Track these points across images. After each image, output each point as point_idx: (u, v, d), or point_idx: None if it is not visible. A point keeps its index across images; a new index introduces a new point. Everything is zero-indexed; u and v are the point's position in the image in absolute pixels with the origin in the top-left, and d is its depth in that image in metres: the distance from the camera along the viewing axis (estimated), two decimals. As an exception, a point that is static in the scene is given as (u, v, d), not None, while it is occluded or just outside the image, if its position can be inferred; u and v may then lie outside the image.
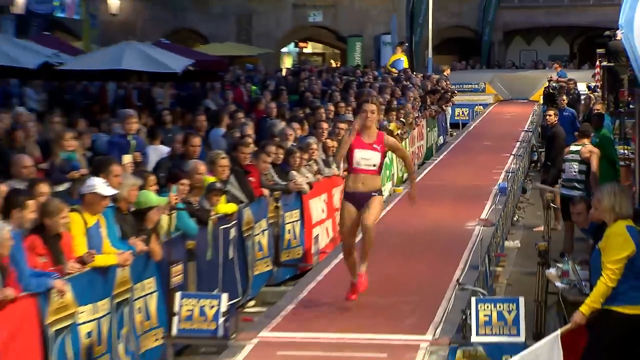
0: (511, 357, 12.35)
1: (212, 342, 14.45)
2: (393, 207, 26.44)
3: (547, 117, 30.76)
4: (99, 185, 14.16)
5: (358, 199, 14.45)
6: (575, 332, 12.03)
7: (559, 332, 12.10)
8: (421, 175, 32.50)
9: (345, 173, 16.97)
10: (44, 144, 19.15)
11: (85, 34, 42.46)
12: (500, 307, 13.06)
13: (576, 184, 21.83)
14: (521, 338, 12.69)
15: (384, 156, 12.69)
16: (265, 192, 19.84)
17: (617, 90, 29.31)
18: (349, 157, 14.23)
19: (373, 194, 14.20)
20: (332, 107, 30.28)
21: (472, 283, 16.74)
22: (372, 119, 12.48)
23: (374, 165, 13.14)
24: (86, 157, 18.74)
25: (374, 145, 12.33)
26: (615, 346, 11.96)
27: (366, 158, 12.52)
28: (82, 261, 13.11)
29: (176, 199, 15.83)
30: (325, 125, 25.88)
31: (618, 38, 24.74)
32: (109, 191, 14.20)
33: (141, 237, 14.74)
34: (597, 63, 49.14)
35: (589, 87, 44.49)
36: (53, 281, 12.62)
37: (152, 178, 16.01)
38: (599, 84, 43.85)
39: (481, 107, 50.13)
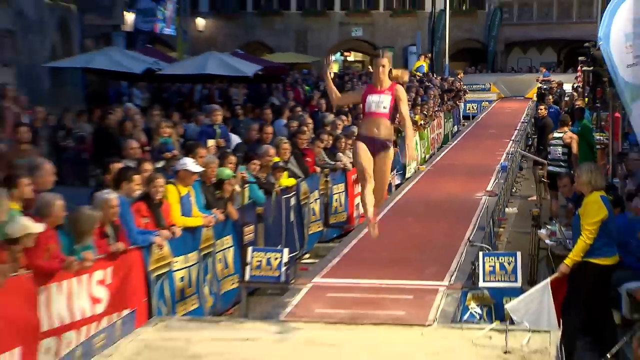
0: (510, 299, 12.31)
1: (276, 286, 14.45)
2: (418, 181, 26.37)
3: (539, 111, 31.09)
4: (189, 163, 14.26)
5: (372, 143, 11.81)
6: (558, 282, 12.03)
7: (548, 279, 12.09)
8: (439, 157, 32.42)
9: None
10: (147, 131, 19.22)
11: (179, 46, 42.47)
12: (502, 259, 13.03)
13: (561, 163, 21.86)
14: (518, 284, 12.63)
15: (394, 100, 11.12)
16: (318, 169, 19.87)
17: (595, 89, 29.39)
18: (362, 105, 12.16)
19: (388, 143, 11.75)
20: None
21: (480, 240, 16.70)
22: (384, 71, 11.05)
23: (385, 107, 11.27)
24: (179, 142, 18.79)
25: (385, 91, 11.03)
26: (590, 291, 11.97)
27: (377, 101, 11.06)
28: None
29: (244, 175, 15.90)
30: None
31: (597, 49, 24.80)
32: (196, 168, 14.29)
33: (221, 206, 14.84)
34: (579, 68, 49.20)
35: (573, 87, 44.44)
36: (154, 237, 12.76)
37: (232, 158, 16.05)
38: (580, 84, 43.85)
39: (487, 102, 49.84)
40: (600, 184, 12.46)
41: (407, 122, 11.81)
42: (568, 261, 12.00)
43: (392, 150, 11.53)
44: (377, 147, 11.42)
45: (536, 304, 11.65)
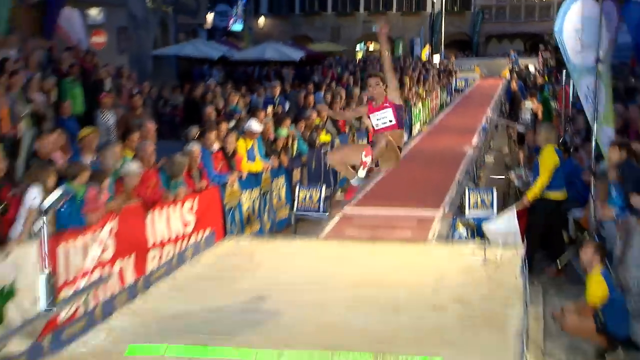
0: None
1: (317, 215, 14.48)
2: (421, 138, 26.23)
3: (511, 86, 30.89)
4: (254, 124, 14.23)
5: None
6: (522, 211, 12.01)
7: (514, 207, 12.06)
8: (437, 120, 32.21)
9: None
10: (224, 101, 19.20)
11: (245, 38, 42.40)
12: (482, 195, 12.97)
13: (529, 125, 21.69)
14: (495, 213, 12.60)
15: (395, 110, 9.46)
16: (347, 129, 19.79)
17: (551, 70, 29.29)
18: (371, 124, 10.22)
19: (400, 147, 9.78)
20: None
21: (466, 181, 16.65)
22: (376, 89, 9.36)
23: (390, 121, 9.64)
24: (246, 109, 18.74)
25: (383, 105, 9.38)
26: (545, 217, 12.01)
27: (380, 117, 9.49)
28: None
29: (293, 133, 15.91)
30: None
31: (554, 40, 24.65)
32: (258, 127, 14.26)
33: (276, 155, 14.84)
34: (540, 54, 49.00)
35: (535, 68, 44.36)
36: (228, 178, 12.79)
37: (287, 121, 15.98)
38: (541, 66, 43.56)
39: (472, 80, 49.54)
40: (554, 140, 12.53)
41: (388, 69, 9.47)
42: (529, 195, 12.01)
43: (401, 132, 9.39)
44: None
45: (505, 226, 11.64)
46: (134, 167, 10.84)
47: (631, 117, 14.07)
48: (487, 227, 11.84)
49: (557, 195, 12.08)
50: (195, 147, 12.38)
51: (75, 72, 16.95)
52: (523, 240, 10.85)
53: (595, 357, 8.95)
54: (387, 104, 9.11)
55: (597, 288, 8.75)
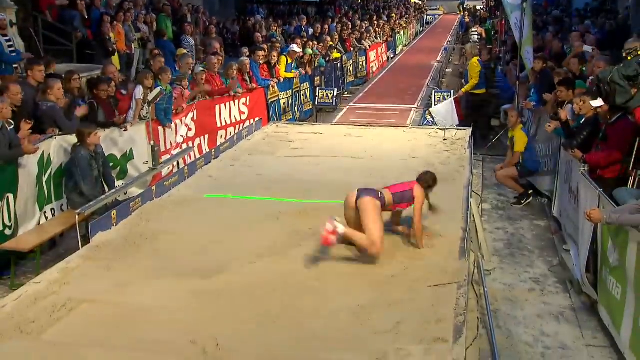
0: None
1: (331, 107, 14.37)
2: (402, 55, 25.73)
3: (465, 20, 30.00)
4: (295, 47, 13.98)
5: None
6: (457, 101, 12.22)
7: (452, 95, 12.11)
8: (413, 43, 31.52)
9: None
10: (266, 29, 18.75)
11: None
12: (444, 94, 12.75)
13: (476, 41, 20.97)
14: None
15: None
16: (351, 49, 19.34)
17: (491, 8, 28.60)
18: None
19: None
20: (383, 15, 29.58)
21: (433, 84, 16.38)
22: None
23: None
24: (283, 35, 18.32)
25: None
26: (475, 107, 12.15)
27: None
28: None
29: (315, 52, 15.56)
30: (379, 22, 25.23)
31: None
32: (298, 49, 14.01)
33: (304, 67, 14.54)
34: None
35: (481, 7, 42.93)
36: (270, 82, 12.58)
37: (310, 43, 15.57)
38: (485, 5, 41.98)
39: (438, 16, 48.19)
40: (478, 53, 12.74)
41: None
42: (463, 90, 12.34)
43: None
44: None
45: (445, 109, 11.81)
46: (200, 68, 10.85)
47: (545, 41, 13.85)
48: (433, 110, 11.89)
49: (480, 91, 12.23)
50: (244, 59, 12.14)
51: (167, 10, 16.66)
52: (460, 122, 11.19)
53: (514, 202, 9.02)
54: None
55: (520, 137, 8.78)
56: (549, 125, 7.83)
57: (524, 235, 7.87)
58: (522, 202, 8.93)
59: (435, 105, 12.46)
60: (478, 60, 12.22)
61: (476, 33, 21.64)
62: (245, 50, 13.12)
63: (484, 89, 12.30)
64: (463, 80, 15.09)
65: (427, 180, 5.71)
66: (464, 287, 4.73)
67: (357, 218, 5.33)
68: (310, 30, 19.51)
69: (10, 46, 10.20)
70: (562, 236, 7.48)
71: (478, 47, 13.37)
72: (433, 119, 11.65)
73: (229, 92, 11.05)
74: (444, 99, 12.38)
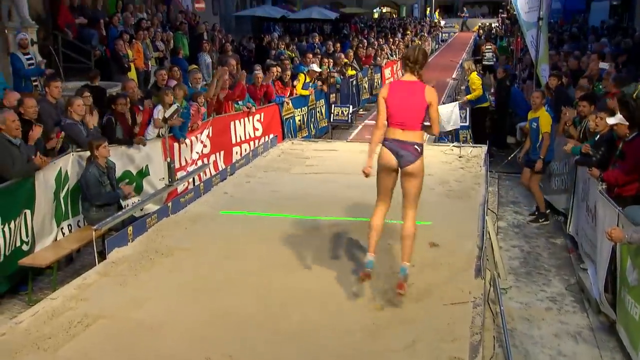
0: (463, 131, 12.26)
1: (346, 124, 14.39)
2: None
3: (479, 37, 30.07)
4: (315, 66, 14.08)
5: (398, 147, 5.01)
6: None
7: (468, 111, 12.46)
8: (428, 61, 31.58)
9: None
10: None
11: (298, 3, 41.34)
12: (460, 111, 12.66)
13: (491, 62, 20.99)
14: (467, 124, 12.42)
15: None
16: (367, 66, 19.36)
17: (507, 27, 28.65)
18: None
19: (415, 146, 5.06)
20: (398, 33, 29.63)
21: (448, 101, 16.34)
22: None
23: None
24: (298, 52, 18.43)
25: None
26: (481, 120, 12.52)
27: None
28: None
29: (332, 71, 15.61)
30: (394, 39, 25.29)
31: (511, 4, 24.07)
32: (318, 69, 14.11)
33: (318, 85, 14.59)
34: (499, 15, 47.45)
35: (496, 25, 43.05)
36: (285, 98, 12.63)
37: (326, 60, 15.64)
38: (499, 23, 42.25)
39: (453, 33, 48.18)
40: (475, 68, 13.29)
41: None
42: (467, 97, 12.75)
43: (419, 164, 5.05)
44: (400, 156, 4.99)
45: (447, 111, 12.03)
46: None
47: (561, 59, 13.91)
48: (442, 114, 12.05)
49: (485, 105, 12.66)
50: (258, 73, 12.18)
51: (184, 28, 16.86)
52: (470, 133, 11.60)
53: (531, 220, 8.95)
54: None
55: (545, 117, 8.76)
56: (566, 145, 7.81)
57: (540, 253, 7.80)
58: (540, 221, 8.86)
59: (460, 128, 12.46)
60: (479, 74, 12.73)
61: (490, 50, 21.56)
62: (258, 67, 13.21)
63: (487, 102, 12.77)
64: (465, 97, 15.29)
65: (420, 62, 4.97)
66: (480, 306, 4.68)
67: (394, 180, 4.98)
68: (324, 48, 19.62)
69: (30, 64, 10.39)
70: (579, 255, 7.40)
71: (472, 61, 13.76)
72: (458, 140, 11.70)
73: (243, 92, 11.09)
74: (460, 117, 12.34)
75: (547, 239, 8.27)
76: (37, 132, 6.96)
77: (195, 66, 11.59)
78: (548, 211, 8.96)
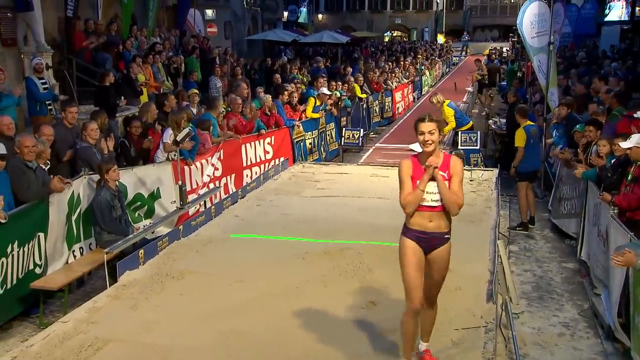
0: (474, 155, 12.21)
1: (356, 147, 14.41)
2: (427, 97, 25.81)
3: (491, 60, 30.08)
4: (325, 90, 14.10)
5: (425, 240, 4.36)
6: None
7: (479, 135, 12.32)
8: (439, 84, 31.61)
9: None
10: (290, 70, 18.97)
11: (309, 28, 41.72)
12: (470, 135, 12.63)
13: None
14: (478, 147, 12.37)
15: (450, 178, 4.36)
16: (378, 89, 19.38)
17: (518, 50, 28.71)
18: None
19: (446, 236, 4.41)
20: (409, 56, 29.77)
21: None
22: (432, 140, 4.28)
23: (440, 200, 4.32)
24: (309, 76, 18.54)
25: (440, 173, 4.30)
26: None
27: (431, 192, 4.31)
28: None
29: (342, 95, 15.65)
30: (404, 63, 25.40)
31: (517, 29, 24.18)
32: (328, 92, 14.15)
33: (328, 109, 14.61)
34: (510, 39, 47.55)
35: (506, 49, 43.13)
36: (295, 122, 12.66)
37: (334, 83, 15.66)
38: (510, 47, 42.38)
39: (463, 57, 48.31)
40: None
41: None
42: (445, 130, 12.30)
43: (447, 249, 4.50)
44: (430, 245, 4.43)
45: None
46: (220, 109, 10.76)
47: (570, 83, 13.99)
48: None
49: (467, 126, 12.66)
50: (267, 98, 12.19)
51: (196, 52, 17.04)
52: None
53: (510, 227, 9.29)
54: (446, 172, 4.40)
55: (520, 133, 9.34)
56: (577, 170, 7.80)
57: (553, 278, 7.72)
58: (518, 229, 9.22)
59: (461, 145, 12.44)
60: (448, 104, 12.65)
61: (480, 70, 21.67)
62: (260, 89, 13.28)
63: (470, 122, 12.93)
64: (493, 120, 15.33)
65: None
66: (492, 331, 4.65)
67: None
68: (330, 71, 19.70)
69: (45, 88, 10.51)
70: (592, 280, 7.33)
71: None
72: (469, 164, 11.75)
73: (253, 124, 11.11)
74: (470, 139, 12.33)
75: (560, 263, 8.19)
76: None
77: (195, 90, 11.66)
78: (531, 226, 9.30)
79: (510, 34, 50.87)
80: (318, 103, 13.78)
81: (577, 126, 8.99)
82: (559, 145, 10.00)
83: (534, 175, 9.71)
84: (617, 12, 29.56)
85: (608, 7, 30.16)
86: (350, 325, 4.86)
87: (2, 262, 5.92)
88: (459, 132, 12.71)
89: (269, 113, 11.89)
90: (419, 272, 4.34)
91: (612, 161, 7.16)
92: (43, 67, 10.73)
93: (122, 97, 12.07)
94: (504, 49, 44.37)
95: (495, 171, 9.72)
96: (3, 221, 5.73)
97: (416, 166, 4.40)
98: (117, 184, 7.35)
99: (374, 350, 4.43)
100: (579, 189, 8.54)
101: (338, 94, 15.13)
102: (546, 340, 6.02)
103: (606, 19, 29.73)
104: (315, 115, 13.69)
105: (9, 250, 6.01)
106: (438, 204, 4.37)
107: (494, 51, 42.05)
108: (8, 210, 6.14)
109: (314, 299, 5.31)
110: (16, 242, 6.12)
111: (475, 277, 5.67)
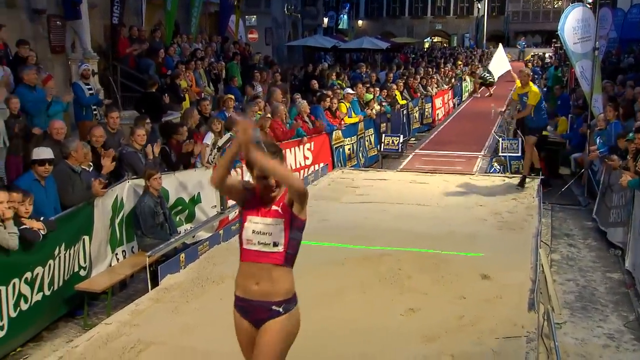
0: (516, 162, 12.02)
1: (396, 153, 14.35)
2: (467, 103, 25.52)
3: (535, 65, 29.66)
4: (349, 90, 14.11)
5: (248, 311, 3.13)
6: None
7: (520, 142, 11.82)
8: (479, 90, 31.22)
9: None
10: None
11: (349, 34, 41.80)
12: (511, 142, 12.50)
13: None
14: (519, 154, 12.20)
15: (289, 224, 3.04)
16: (417, 95, 19.29)
17: (561, 56, 28.18)
18: (240, 230, 3.18)
19: (275, 307, 3.00)
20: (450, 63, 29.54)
21: (499, 132, 16.17)
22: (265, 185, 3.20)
23: (276, 245, 2.91)
24: (349, 82, 18.57)
25: (273, 208, 3.04)
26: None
27: (258, 231, 2.95)
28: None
29: (381, 102, 15.62)
30: (444, 69, 25.23)
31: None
32: (352, 92, 14.14)
33: (367, 113, 14.62)
34: (553, 45, 46.68)
35: (549, 56, 42.36)
36: (336, 127, 12.68)
37: (372, 89, 15.74)
38: (553, 53, 41.60)
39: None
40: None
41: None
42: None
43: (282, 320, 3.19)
44: (255, 318, 3.26)
45: (497, 57, 11.97)
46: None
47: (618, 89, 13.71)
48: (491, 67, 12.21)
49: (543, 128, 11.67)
50: (303, 104, 12.32)
51: (237, 58, 17.22)
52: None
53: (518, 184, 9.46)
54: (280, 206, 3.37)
55: (534, 92, 9.63)
56: (622, 178, 7.62)
57: (597, 288, 7.54)
58: (518, 187, 9.44)
59: (502, 152, 12.29)
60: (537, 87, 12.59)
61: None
62: (297, 95, 13.35)
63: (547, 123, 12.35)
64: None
65: None
66: (534, 341, 4.55)
67: None
68: (374, 76, 19.69)
69: (91, 93, 10.76)
70: (637, 290, 7.14)
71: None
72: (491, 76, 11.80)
73: (293, 131, 11.16)
74: (511, 146, 12.17)
75: (604, 273, 8.00)
76: (108, 161, 7.22)
77: (231, 95, 11.79)
78: (532, 175, 9.83)
79: (553, 40, 50.03)
80: (347, 105, 13.85)
81: (630, 134, 8.80)
82: (600, 149, 9.85)
83: (542, 130, 10.48)
84: (665, 16, 28.78)
85: (656, 11, 29.40)
86: (389, 332, 4.82)
87: (50, 264, 6.07)
88: (500, 139, 12.58)
89: (307, 120, 11.94)
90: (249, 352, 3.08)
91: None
92: (90, 73, 10.98)
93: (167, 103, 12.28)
94: (547, 55, 43.69)
95: (538, 178, 9.56)
96: (43, 232, 5.84)
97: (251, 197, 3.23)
98: (159, 190, 7.46)
99: (414, 355, 4.38)
100: (625, 197, 8.34)
101: (370, 97, 15.16)
102: (590, 351, 5.88)
103: (654, 23, 29.00)
104: (354, 119, 13.71)
105: (56, 252, 6.16)
106: (272, 249, 2.95)
107: (534, 57, 41.44)
108: (55, 214, 6.30)
109: (352, 305, 5.29)
110: (63, 245, 6.27)
111: (516, 286, 5.57)
